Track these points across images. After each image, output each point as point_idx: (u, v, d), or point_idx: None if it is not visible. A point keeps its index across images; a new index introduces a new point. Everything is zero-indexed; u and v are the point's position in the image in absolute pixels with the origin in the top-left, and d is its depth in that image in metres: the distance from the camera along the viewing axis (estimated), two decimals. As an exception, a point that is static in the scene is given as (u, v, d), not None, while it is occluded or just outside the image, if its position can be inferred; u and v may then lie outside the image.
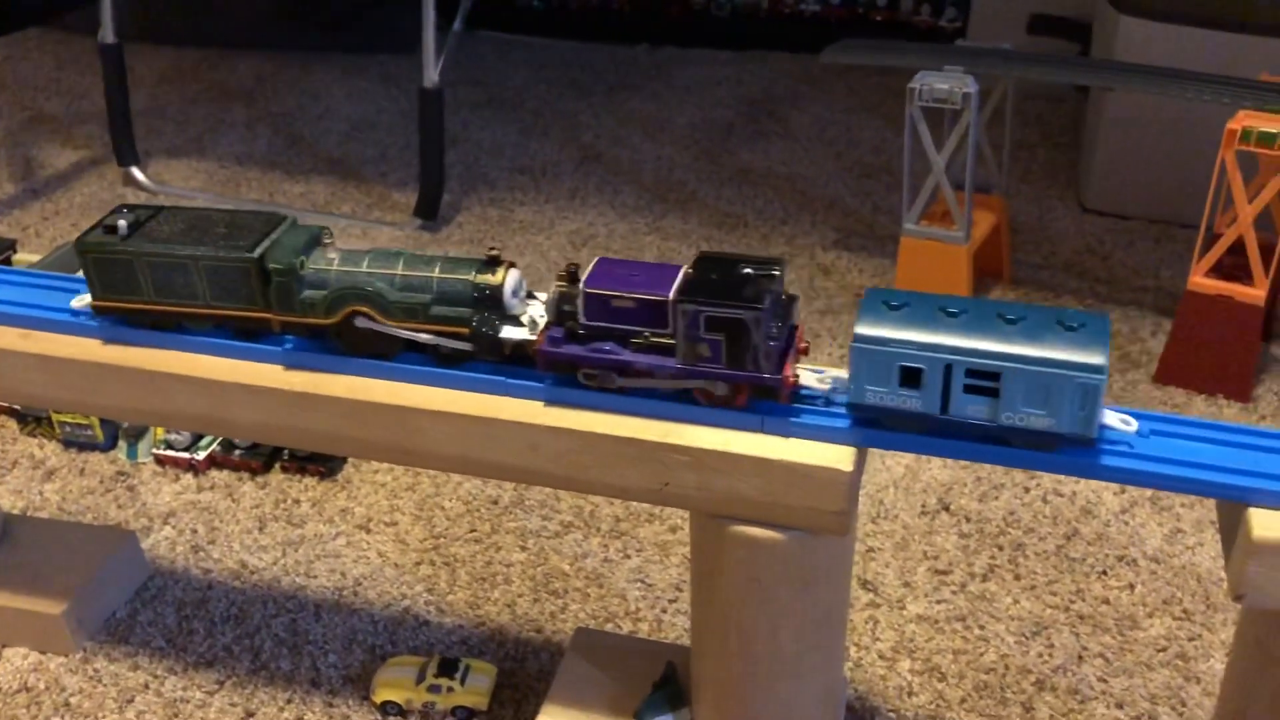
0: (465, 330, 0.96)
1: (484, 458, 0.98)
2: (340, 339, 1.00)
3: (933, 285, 1.82)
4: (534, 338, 0.94)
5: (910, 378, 0.85)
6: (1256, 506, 0.85)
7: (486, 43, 3.22)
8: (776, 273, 0.90)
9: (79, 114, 2.87)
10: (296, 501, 1.54)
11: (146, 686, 1.27)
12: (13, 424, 1.69)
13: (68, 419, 1.62)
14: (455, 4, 2.41)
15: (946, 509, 1.48)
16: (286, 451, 1.59)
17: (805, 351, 0.94)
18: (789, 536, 0.93)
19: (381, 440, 1.01)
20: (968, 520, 1.47)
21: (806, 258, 2.11)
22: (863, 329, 0.86)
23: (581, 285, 0.91)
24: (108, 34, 2.36)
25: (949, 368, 0.84)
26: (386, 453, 1.02)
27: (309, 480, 1.57)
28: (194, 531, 1.49)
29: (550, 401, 0.96)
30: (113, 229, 1.03)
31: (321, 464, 1.57)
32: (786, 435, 0.92)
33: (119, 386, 1.07)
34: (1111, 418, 0.87)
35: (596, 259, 0.94)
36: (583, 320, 0.92)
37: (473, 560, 1.43)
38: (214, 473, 1.59)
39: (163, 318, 1.05)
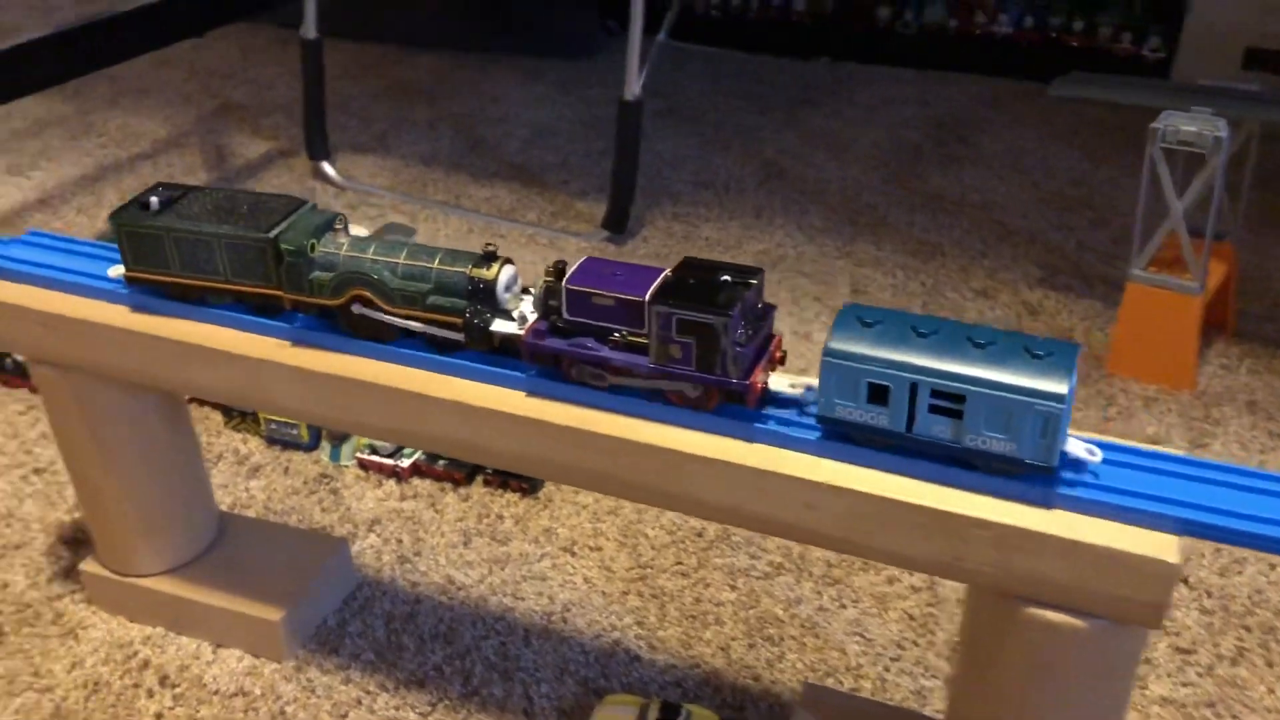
0: (458, 320, 1.00)
1: (756, 511, 0.94)
2: (343, 320, 1.04)
3: (1158, 335, 1.72)
4: (521, 331, 0.98)
5: (878, 394, 0.87)
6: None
7: (663, 51, 3.18)
8: (754, 282, 0.92)
9: (265, 105, 2.93)
10: (499, 517, 1.52)
11: (359, 702, 1.26)
12: (218, 416, 1.71)
13: (274, 417, 1.63)
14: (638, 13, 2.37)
15: (1185, 582, 1.39)
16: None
17: (781, 360, 0.96)
18: (1091, 624, 0.86)
19: (645, 482, 0.97)
20: (1209, 595, 1.37)
21: (1010, 294, 2.02)
22: (834, 344, 0.88)
23: (564, 282, 0.94)
24: (310, 29, 2.38)
25: (915, 386, 0.85)
26: (648, 495, 0.98)
27: (510, 496, 1.55)
28: (399, 541, 1.48)
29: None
30: (145, 205, 1.09)
31: (524, 480, 1.55)
32: (1055, 507, 0.86)
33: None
34: (1077, 447, 0.87)
35: (584, 257, 0.97)
36: (565, 315, 0.95)
37: (681, 595, 1.39)
38: (415, 481, 1.58)
39: (187, 291, 1.10)
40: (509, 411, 0.99)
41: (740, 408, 0.94)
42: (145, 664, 1.31)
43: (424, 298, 1.00)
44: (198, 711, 1.25)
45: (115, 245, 1.18)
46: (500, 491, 1.56)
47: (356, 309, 1.03)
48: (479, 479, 1.58)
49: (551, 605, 1.38)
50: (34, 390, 1.78)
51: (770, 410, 0.95)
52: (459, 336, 1.01)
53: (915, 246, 2.19)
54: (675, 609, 1.38)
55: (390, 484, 1.58)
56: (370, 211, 2.36)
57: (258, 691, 1.27)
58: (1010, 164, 2.52)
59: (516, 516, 1.52)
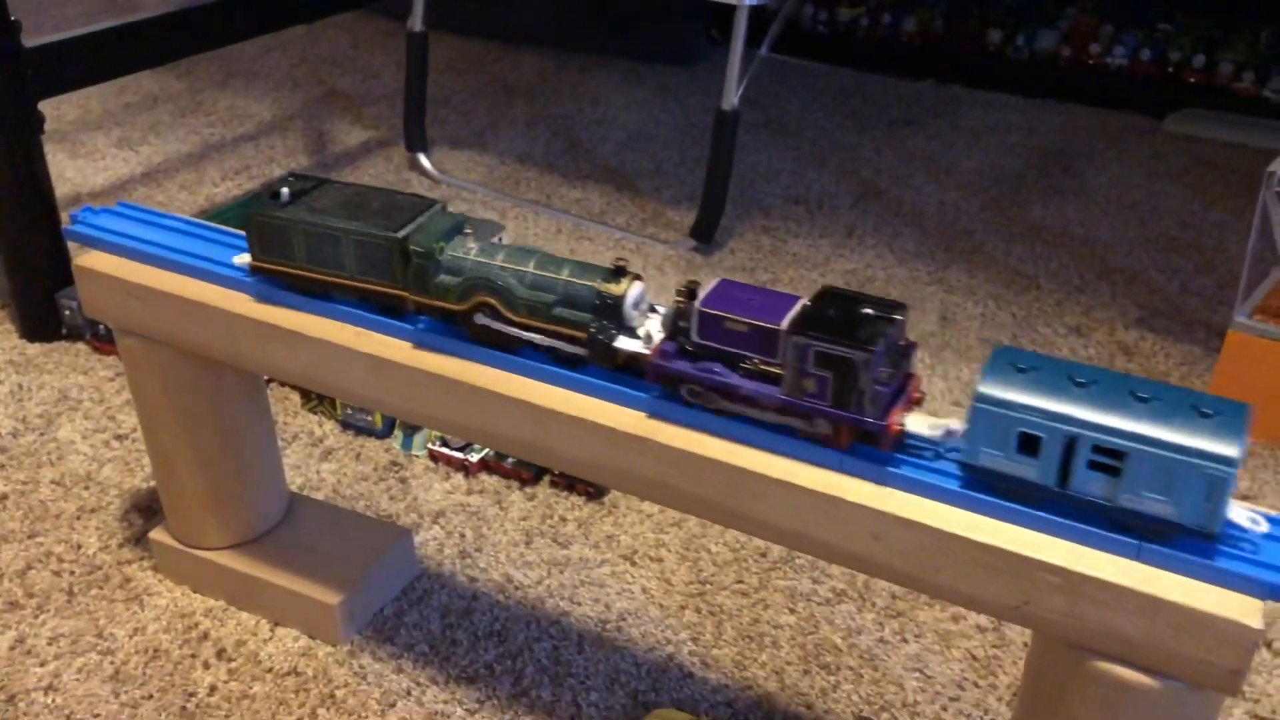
0: (582, 335, 0.97)
1: (821, 538, 0.91)
2: (466, 326, 1.02)
3: (1260, 386, 1.65)
4: (646, 351, 0.95)
5: (1029, 445, 0.82)
6: None
7: (764, 64, 3.16)
8: (897, 317, 0.88)
9: (370, 94, 2.97)
10: (563, 519, 1.51)
11: (408, 693, 1.26)
12: (296, 397, 1.74)
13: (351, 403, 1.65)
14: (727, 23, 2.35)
15: (1268, 645, 1.33)
16: (557, 467, 1.56)
17: (919, 401, 0.92)
18: (1164, 685, 0.82)
19: (712, 499, 0.95)
20: (1295, 664, 1.31)
21: (1105, 333, 1.96)
22: (986, 389, 0.83)
23: (697, 304, 0.91)
24: (416, 22, 2.41)
25: (1072, 440, 0.80)
26: (712, 512, 0.97)
27: (576, 499, 1.54)
28: (462, 536, 1.48)
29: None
30: (276, 195, 1.08)
31: (590, 484, 1.54)
32: (1164, 567, 0.81)
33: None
34: (1239, 514, 0.81)
35: (719, 279, 0.94)
36: (694, 338, 0.92)
37: (739, 614, 1.37)
38: (484, 476, 1.58)
39: (311, 285, 1.09)
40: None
41: (870, 449, 0.89)
42: (205, 635, 1.32)
43: (549, 309, 0.98)
44: (250, 687, 1.26)
45: (207, 222, 1.20)
46: (566, 493, 1.55)
47: (479, 319, 1.01)
48: (546, 479, 1.57)
49: (607, 613, 1.37)
50: (123, 358, 1.82)
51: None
52: (582, 351, 0.98)
53: (1010, 277, 2.14)
54: (732, 628, 1.35)
55: (458, 477, 1.58)
56: (461, 206, 2.38)
57: (310, 673, 1.28)
58: (1116, 200, 2.45)
59: (580, 520, 1.51)
